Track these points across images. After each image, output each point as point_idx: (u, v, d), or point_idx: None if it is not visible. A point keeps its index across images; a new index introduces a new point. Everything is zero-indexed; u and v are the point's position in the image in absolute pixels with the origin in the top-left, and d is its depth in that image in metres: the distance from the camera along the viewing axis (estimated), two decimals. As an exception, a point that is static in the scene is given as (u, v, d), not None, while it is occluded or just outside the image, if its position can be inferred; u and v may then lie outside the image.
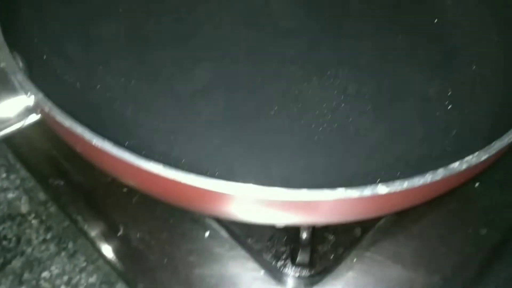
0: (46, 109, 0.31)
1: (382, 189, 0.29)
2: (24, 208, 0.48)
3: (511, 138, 0.32)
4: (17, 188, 0.50)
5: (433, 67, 0.46)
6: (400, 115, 0.43)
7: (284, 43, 0.46)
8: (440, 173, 0.29)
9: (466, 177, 0.32)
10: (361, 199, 0.29)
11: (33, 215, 0.48)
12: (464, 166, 0.30)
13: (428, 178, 0.29)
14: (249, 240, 0.41)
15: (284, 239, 0.41)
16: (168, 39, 0.46)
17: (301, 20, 0.48)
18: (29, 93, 0.31)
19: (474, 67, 0.45)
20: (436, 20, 0.49)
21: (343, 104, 0.43)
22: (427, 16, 0.49)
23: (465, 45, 0.47)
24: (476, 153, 0.31)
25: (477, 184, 0.44)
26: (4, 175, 0.51)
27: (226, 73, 0.44)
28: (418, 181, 0.29)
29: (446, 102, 0.43)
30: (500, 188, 0.44)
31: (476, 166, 0.31)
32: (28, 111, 0.33)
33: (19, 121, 0.33)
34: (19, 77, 0.32)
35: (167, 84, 0.43)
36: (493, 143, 0.31)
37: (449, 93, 0.44)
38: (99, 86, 0.42)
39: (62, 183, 0.43)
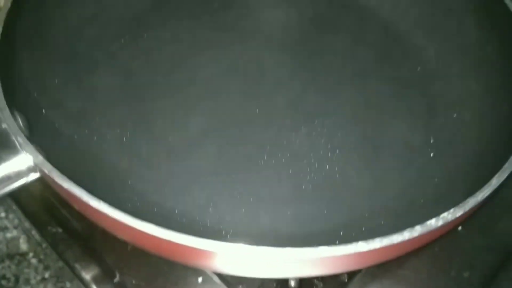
0: (46, 171, 0.32)
1: (362, 246, 0.30)
2: (22, 247, 0.49)
3: (485, 194, 0.33)
4: (15, 227, 0.50)
5: (416, 115, 0.48)
6: (384, 163, 0.44)
7: (273, 93, 0.48)
8: (417, 230, 0.31)
9: (443, 230, 0.34)
10: (342, 256, 0.30)
11: (31, 254, 0.49)
12: (440, 223, 0.32)
13: (405, 235, 0.31)
14: (240, 287, 0.43)
15: (274, 287, 0.43)
16: (162, 91, 0.48)
17: (290, 70, 0.50)
18: (29, 155, 0.33)
19: (455, 115, 0.47)
20: (419, 69, 0.51)
21: (329, 153, 0.45)
22: (410, 65, 0.51)
23: (446, 94, 0.49)
24: (452, 210, 0.32)
25: (460, 228, 0.45)
26: (3, 214, 0.51)
27: (218, 124, 0.46)
28: (396, 238, 0.31)
29: (429, 150, 0.45)
30: (481, 232, 0.45)
31: (452, 221, 0.32)
32: (30, 170, 0.35)
33: (21, 179, 0.35)
34: (20, 139, 0.34)
35: (161, 136, 0.45)
36: (467, 199, 0.33)
37: (432, 141, 0.46)
38: (95, 137, 0.44)
39: (60, 230, 0.45)
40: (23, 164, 0.34)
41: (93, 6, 0.50)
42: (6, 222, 0.51)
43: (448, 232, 0.38)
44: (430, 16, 0.52)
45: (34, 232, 0.48)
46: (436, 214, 0.33)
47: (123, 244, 0.42)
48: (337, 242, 0.37)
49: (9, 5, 0.41)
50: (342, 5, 0.56)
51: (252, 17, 0.54)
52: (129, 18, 0.52)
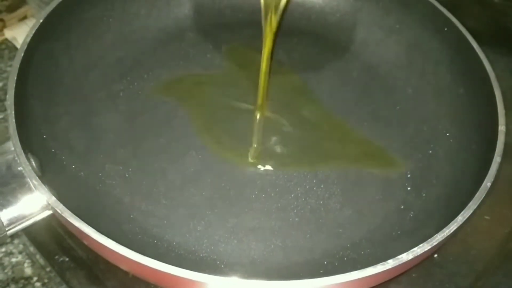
0: (58, 210, 0.36)
1: (340, 278, 0.34)
2: (27, 271, 0.52)
3: (451, 230, 0.37)
4: (20, 252, 0.53)
5: (394, 151, 0.51)
6: (365, 197, 0.48)
7: (264, 129, 0.52)
8: (389, 264, 0.35)
9: (415, 262, 0.38)
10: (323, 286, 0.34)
11: (35, 278, 0.50)
12: (410, 256, 0.36)
13: (379, 268, 0.35)
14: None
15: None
16: (161, 129, 0.51)
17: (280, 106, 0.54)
18: (43, 195, 0.37)
19: (430, 152, 0.50)
20: (398, 108, 0.55)
21: (314, 188, 0.48)
22: (390, 104, 0.55)
23: (423, 131, 0.52)
24: (421, 244, 0.36)
25: (435, 255, 0.48)
26: (8, 239, 0.54)
27: (212, 160, 0.49)
28: (371, 271, 0.34)
29: (406, 184, 0.49)
30: (455, 259, 0.48)
31: (422, 255, 0.36)
32: (43, 208, 0.38)
33: (35, 216, 0.39)
34: (35, 182, 0.37)
35: (161, 172, 0.48)
36: (435, 235, 0.37)
37: (408, 176, 0.49)
38: (100, 174, 0.47)
39: (67, 259, 0.47)
40: (37, 204, 0.38)
41: (96, 51, 0.54)
42: (11, 248, 0.53)
43: (424, 260, 0.42)
44: (408, 59, 0.56)
45: (38, 257, 0.50)
46: (411, 245, 0.37)
47: (125, 272, 0.45)
48: (321, 272, 0.41)
49: (22, 54, 0.45)
50: (329, 48, 0.60)
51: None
52: (130, 60, 0.56)
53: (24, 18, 0.70)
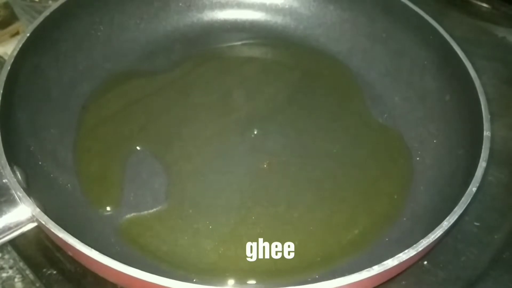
0: (43, 222, 0.36)
1: (326, 285, 0.34)
2: (17, 286, 0.52)
3: (436, 235, 0.37)
4: (11, 267, 0.53)
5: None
6: (354, 206, 0.48)
7: (255, 146, 0.52)
8: (375, 270, 0.35)
9: (402, 267, 0.38)
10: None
11: None
12: (395, 262, 0.36)
13: (364, 274, 0.35)
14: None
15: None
16: (145, 141, 0.51)
17: (272, 114, 0.55)
18: (28, 208, 0.37)
19: (417, 159, 0.51)
20: (386, 115, 0.55)
21: (305, 198, 0.48)
22: (378, 111, 0.55)
23: (410, 138, 0.53)
24: (406, 250, 0.36)
25: (425, 262, 0.48)
26: None
27: (198, 172, 0.49)
28: (356, 277, 0.34)
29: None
30: (445, 266, 0.48)
31: (407, 260, 0.36)
32: (28, 220, 0.38)
33: (20, 228, 0.39)
34: (20, 194, 0.37)
35: (146, 183, 0.48)
36: (420, 241, 0.37)
37: (396, 183, 0.50)
38: None
39: (54, 272, 0.47)
40: (22, 216, 0.38)
41: (84, 64, 0.54)
42: (1, 263, 0.53)
43: (414, 266, 0.42)
44: (395, 67, 0.57)
45: (28, 272, 0.50)
46: (398, 251, 0.37)
47: (113, 284, 0.45)
48: (309, 280, 0.41)
49: (8, 67, 0.45)
50: (317, 57, 0.60)
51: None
52: (118, 71, 0.56)
53: (16, 34, 0.70)
